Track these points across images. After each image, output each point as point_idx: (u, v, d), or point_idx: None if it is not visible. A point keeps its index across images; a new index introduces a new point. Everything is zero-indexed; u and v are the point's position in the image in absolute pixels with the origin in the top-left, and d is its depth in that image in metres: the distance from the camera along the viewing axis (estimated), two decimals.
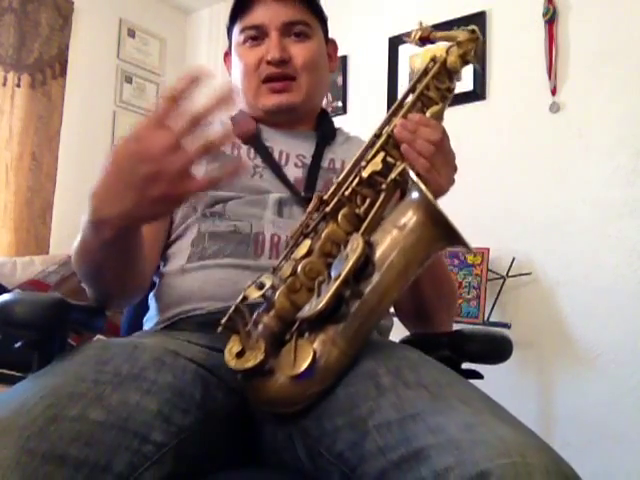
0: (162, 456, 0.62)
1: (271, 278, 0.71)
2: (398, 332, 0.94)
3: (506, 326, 1.98)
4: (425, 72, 0.83)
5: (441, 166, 0.78)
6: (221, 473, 0.70)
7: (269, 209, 0.93)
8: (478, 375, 0.91)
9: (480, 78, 2.31)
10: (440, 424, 0.58)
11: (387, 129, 0.79)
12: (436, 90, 0.82)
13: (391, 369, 0.67)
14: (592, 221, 2.03)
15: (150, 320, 0.95)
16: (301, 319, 0.67)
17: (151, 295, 0.98)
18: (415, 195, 0.70)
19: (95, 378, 0.65)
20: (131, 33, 3.16)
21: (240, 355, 0.67)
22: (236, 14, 1.02)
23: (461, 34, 0.84)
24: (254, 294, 0.70)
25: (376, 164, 0.76)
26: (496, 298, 2.07)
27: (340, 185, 0.77)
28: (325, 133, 1.06)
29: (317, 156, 1.01)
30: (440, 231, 0.69)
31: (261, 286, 0.71)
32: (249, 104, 1.04)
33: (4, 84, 2.63)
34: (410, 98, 0.82)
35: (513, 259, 2.06)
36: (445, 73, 0.83)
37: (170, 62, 3.35)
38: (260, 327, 0.69)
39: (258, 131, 1.02)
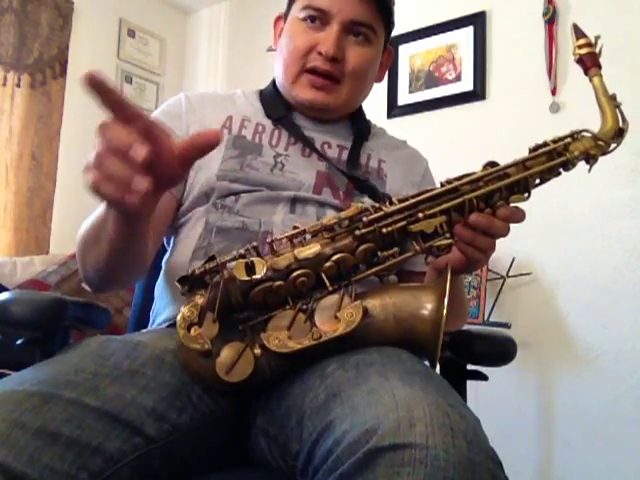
0: (151, 450, 0.63)
1: (263, 267, 0.68)
2: None
3: (506, 326, 1.98)
4: (549, 157, 0.76)
5: (487, 249, 0.78)
6: (212, 474, 0.70)
7: (281, 207, 0.91)
8: (483, 376, 0.91)
9: (480, 78, 2.31)
10: (349, 395, 0.58)
11: (469, 195, 0.73)
12: (539, 180, 0.77)
13: (340, 358, 0.67)
14: (592, 221, 2.03)
15: (156, 314, 0.95)
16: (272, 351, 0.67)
17: (157, 284, 0.98)
18: (432, 305, 0.68)
19: (94, 370, 0.65)
20: (131, 33, 3.16)
21: (190, 328, 0.68)
22: None
23: (609, 122, 0.78)
24: (241, 274, 0.67)
25: (430, 226, 0.72)
26: (496, 298, 2.07)
27: (385, 216, 0.72)
28: (362, 129, 1.04)
29: (355, 148, 1.00)
30: (423, 344, 0.68)
31: (250, 270, 0.68)
32: (284, 86, 1.00)
33: (4, 84, 2.62)
34: (512, 171, 0.75)
35: (513, 259, 2.06)
36: (560, 165, 0.77)
37: (170, 62, 3.35)
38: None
39: (290, 114, 0.99)
